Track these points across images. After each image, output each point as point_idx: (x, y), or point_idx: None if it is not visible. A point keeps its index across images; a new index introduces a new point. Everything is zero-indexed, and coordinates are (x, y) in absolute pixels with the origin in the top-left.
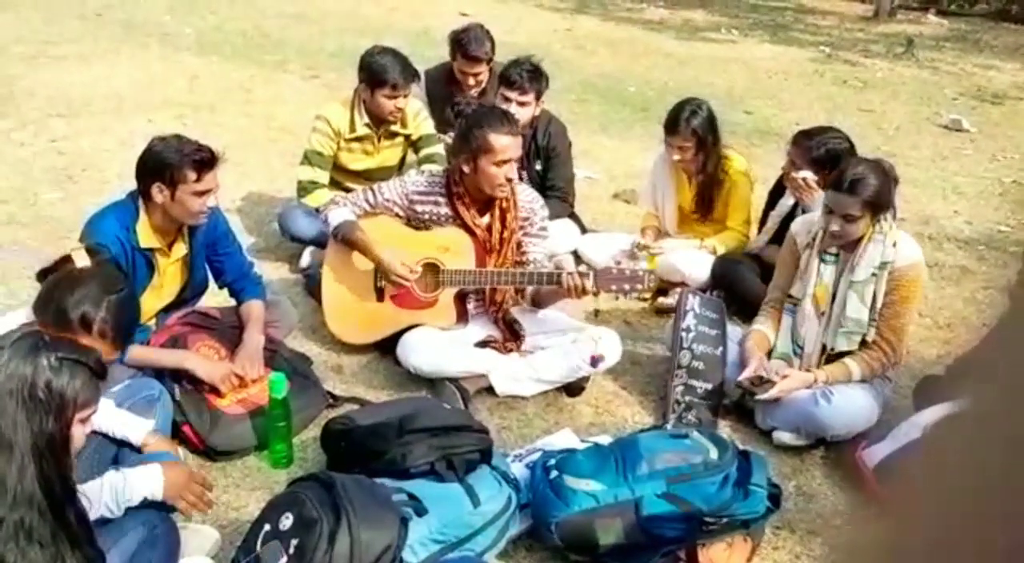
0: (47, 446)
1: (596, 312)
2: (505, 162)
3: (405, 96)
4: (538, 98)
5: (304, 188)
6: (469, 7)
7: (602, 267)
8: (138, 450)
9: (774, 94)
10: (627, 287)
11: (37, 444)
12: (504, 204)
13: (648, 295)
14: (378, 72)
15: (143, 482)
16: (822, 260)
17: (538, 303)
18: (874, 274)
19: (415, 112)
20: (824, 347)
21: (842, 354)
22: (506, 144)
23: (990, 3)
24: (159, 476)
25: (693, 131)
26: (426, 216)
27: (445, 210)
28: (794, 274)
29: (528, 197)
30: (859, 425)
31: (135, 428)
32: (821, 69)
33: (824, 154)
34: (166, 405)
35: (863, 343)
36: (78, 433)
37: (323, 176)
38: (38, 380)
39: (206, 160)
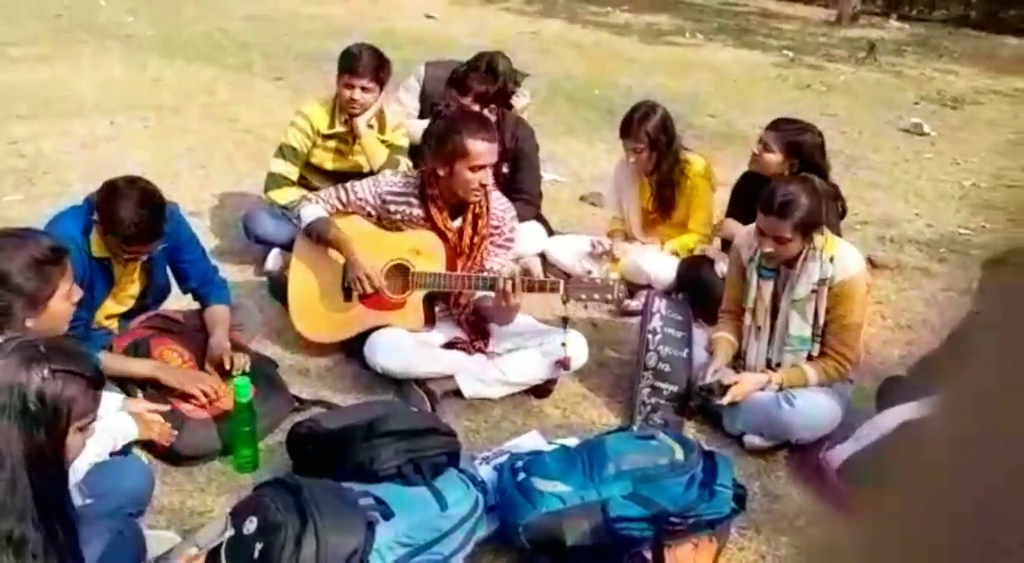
0: (40, 458)
1: (565, 320)
2: (480, 167)
3: (364, 89)
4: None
5: (274, 180)
6: (435, 10)
7: (573, 277)
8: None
9: (738, 98)
10: (596, 296)
11: (30, 457)
12: (477, 209)
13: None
14: (341, 58)
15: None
16: (760, 275)
17: (485, 317)
18: (814, 291)
19: (395, 124)
20: (769, 362)
21: None
22: (482, 150)
23: (950, 9)
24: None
25: (646, 133)
26: (398, 216)
27: (418, 211)
28: (742, 286)
29: (501, 206)
30: (823, 428)
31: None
32: (784, 73)
33: (798, 143)
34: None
35: (809, 357)
36: (75, 442)
37: (294, 172)
38: (29, 393)
39: (140, 234)
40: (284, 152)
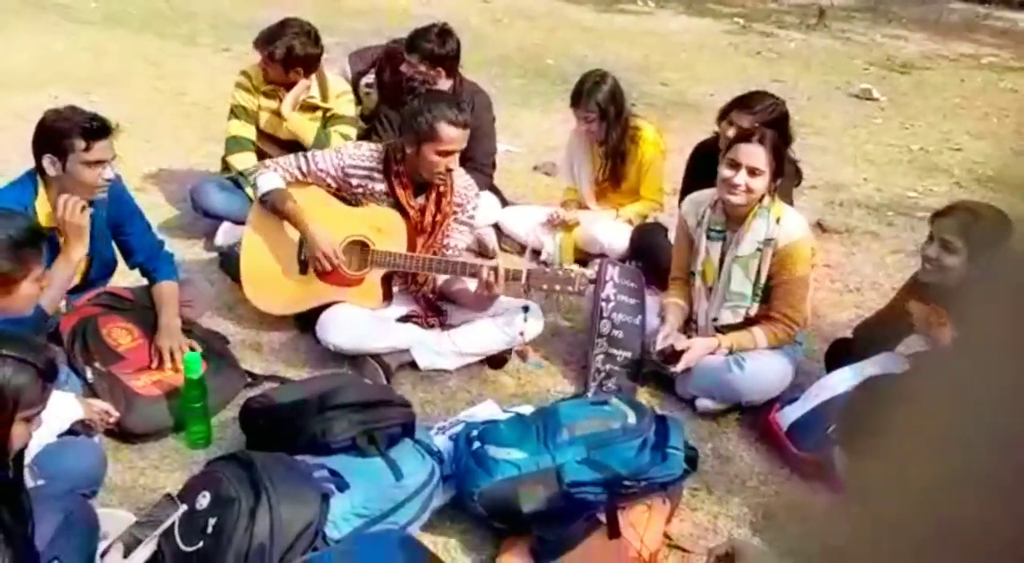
0: None
1: (526, 308)
2: (448, 153)
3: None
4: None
5: (236, 142)
6: None
7: (535, 267)
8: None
9: (689, 66)
10: (558, 288)
11: None
12: (441, 188)
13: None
14: (265, 37)
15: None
16: (709, 237)
17: (451, 299)
18: (759, 249)
19: (338, 92)
20: (715, 320)
21: (731, 327)
22: (453, 135)
23: None
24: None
25: (596, 103)
26: (360, 190)
27: (381, 186)
28: (689, 253)
29: (464, 183)
30: (772, 390)
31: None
32: (735, 41)
33: (777, 116)
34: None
35: (748, 317)
36: (19, 433)
37: (251, 132)
38: None
39: (96, 128)
40: (236, 112)
